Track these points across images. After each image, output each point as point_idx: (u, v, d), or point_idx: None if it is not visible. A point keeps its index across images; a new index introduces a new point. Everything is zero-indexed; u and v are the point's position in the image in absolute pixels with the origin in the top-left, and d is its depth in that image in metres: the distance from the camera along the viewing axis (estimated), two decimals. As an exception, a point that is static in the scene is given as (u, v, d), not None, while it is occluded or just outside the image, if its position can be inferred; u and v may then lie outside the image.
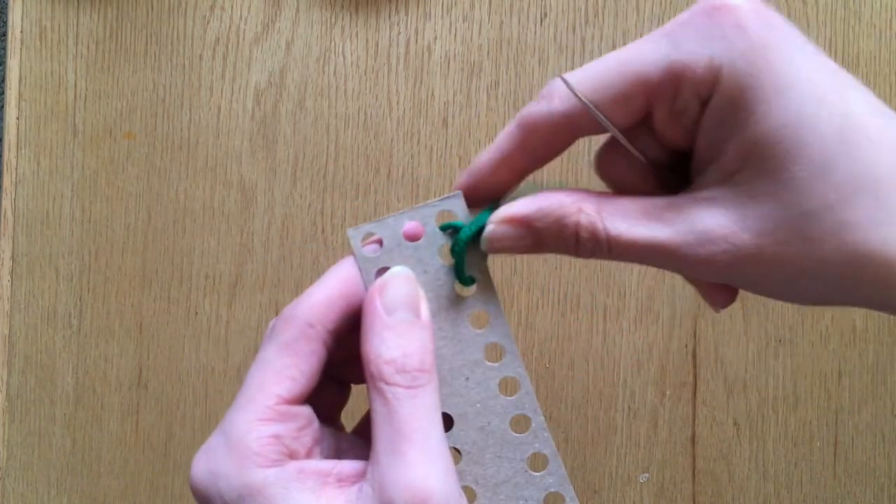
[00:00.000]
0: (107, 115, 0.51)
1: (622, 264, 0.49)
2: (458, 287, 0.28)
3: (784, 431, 0.49)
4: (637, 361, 0.49)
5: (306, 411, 0.26)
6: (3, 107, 0.75)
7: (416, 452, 0.24)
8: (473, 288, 0.28)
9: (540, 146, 0.27)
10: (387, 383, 0.25)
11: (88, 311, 0.50)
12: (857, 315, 0.49)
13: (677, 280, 0.49)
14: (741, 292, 0.49)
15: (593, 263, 0.49)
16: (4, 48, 0.57)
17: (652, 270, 0.49)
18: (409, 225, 0.28)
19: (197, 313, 0.50)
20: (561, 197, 0.26)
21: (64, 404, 0.50)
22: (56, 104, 0.51)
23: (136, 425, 0.50)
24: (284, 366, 0.26)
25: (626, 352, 0.49)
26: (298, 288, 0.50)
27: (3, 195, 0.50)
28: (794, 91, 0.21)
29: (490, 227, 0.27)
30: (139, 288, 0.50)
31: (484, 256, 0.28)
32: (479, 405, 0.28)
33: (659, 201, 0.25)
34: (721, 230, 0.23)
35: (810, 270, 0.22)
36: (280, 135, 0.50)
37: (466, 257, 0.28)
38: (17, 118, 0.51)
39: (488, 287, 0.29)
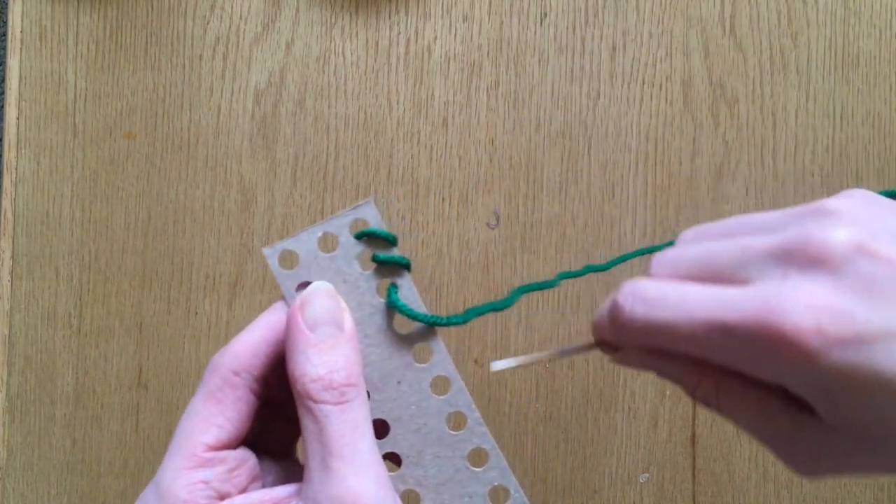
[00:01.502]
0: (107, 115, 0.51)
1: (623, 265, 0.49)
2: (380, 293, 0.29)
3: (784, 431, 0.49)
4: (637, 361, 0.49)
5: (237, 454, 0.27)
6: (3, 107, 0.75)
7: (347, 466, 0.24)
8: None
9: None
10: (314, 401, 0.25)
11: (88, 311, 0.50)
12: (857, 315, 0.49)
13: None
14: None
15: (593, 263, 0.49)
16: (4, 48, 0.57)
17: (652, 270, 0.49)
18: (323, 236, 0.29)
19: (197, 313, 0.50)
20: (680, 369, 0.27)
21: (64, 404, 0.50)
22: (56, 104, 0.51)
23: (136, 425, 0.50)
24: (210, 414, 0.26)
25: (626, 352, 0.49)
26: (298, 288, 0.50)
27: (3, 195, 0.50)
28: (865, 394, 0.22)
29: (619, 355, 0.29)
30: (139, 288, 0.50)
31: (405, 268, 0.29)
32: (413, 408, 0.29)
33: (770, 411, 0.26)
34: (826, 467, 0.25)
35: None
36: (280, 135, 0.50)
37: (387, 268, 0.29)
38: (17, 118, 0.51)
39: (409, 291, 0.29)
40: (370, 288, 0.29)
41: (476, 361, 0.49)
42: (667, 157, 0.50)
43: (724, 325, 0.23)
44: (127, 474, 0.50)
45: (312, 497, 0.24)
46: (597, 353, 0.50)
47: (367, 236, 0.29)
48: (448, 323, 0.29)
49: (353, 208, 0.29)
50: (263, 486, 0.28)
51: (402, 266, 0.29)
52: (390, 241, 0.29)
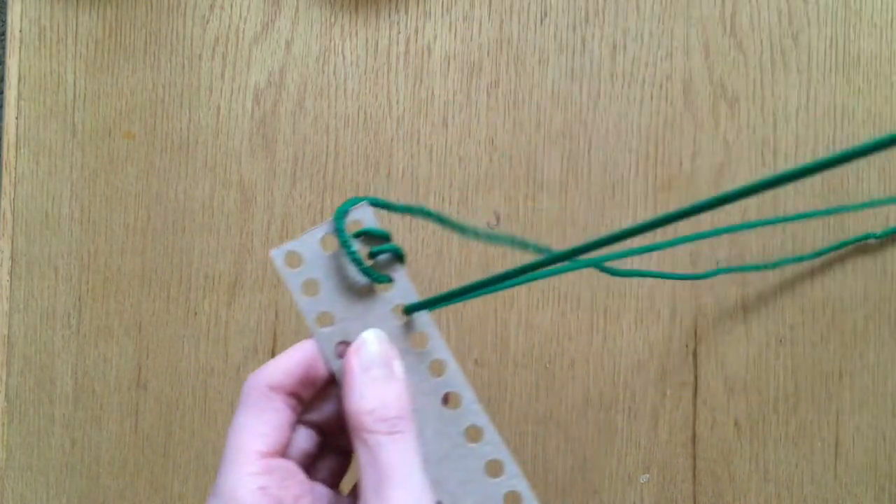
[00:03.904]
0: (106, 115, 0.51)
1: (623, 264, 0.49)
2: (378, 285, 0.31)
3: (784, 432, 0.49)
4: (637, 361, 0.49)
5: (286, 464, 0.29)
6: (2, 106, 0.75)
7: (400, 492, 0.26)
8: (392, 285, 0.31)
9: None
10: (368, 431, 0.28)
11: (88, 311, 0.50)
12: (858, 315, 0.49)
13: (677, 280, 0.49)
14: (743, 290, 0.49)
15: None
16: (4, 48, 0.57)
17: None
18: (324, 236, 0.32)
19: (196, 313, 0.50)
20: None
21: (63, 404, 0.50)
22: (55, 104, 0.50)
23: (136, 425, 0.50)
24: (254, 424, 0.29)
25: (626, 352, 0.49)
26: (298, 288, 0.50)
27: (3, 195, 0.50)
28: None
29: None
30: (139, 288, 0.50)
31: (399, 259, 0.32)
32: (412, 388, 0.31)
33: None
34: None
35: None
36: (280, 135, 0.50)
37: (376, 257, 0.31)
38: (17, 118, 0.50)
39: (403, 280, 0.32)
40: (367, 281, 0.31)
41: (476, 361, 0.49)
42: (667, 157, 0.49)
43: None
44: (126, 474, 0.50)
45: None
46: (597, 354, 0.50)
47: (363, 235, 0.31)
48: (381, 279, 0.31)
49: (349, 210, 0.32)
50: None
51: (397, 257, 0.32)
52: (384, 237, 0.31)
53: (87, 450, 0.50)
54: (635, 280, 0.49)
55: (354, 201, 0.31)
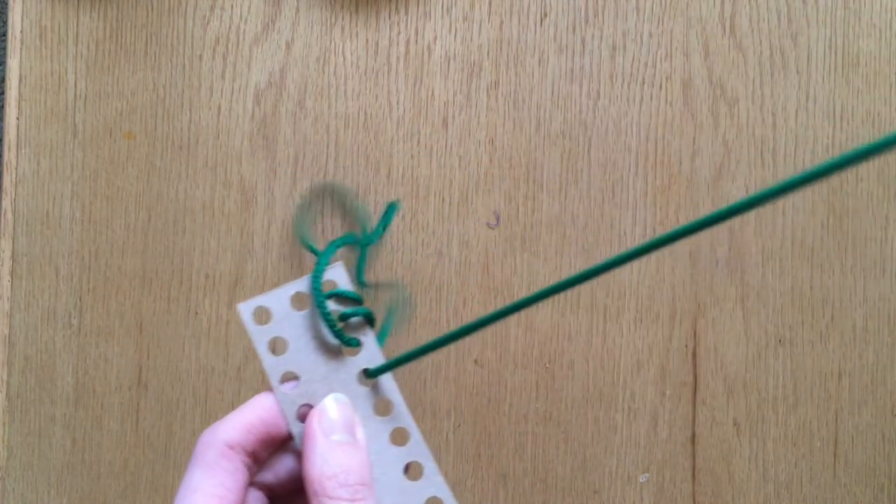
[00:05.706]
0: (107, 115, 0.51)
1: (622, 269, 0.49)
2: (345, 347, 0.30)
3: (784, 431, 0.49)
4: (637, 361, 0.49)
5: None
6: (3, 107, 0.75)
7: None
8: (360, 349, 0.30)
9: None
10: (329, 498, 0.27)
11: (88, 311, 0.50)
12: (857, 315, 0.49)
13: (677, 280, 0.49)
14: (743, 290, 0.49)
15: (593, 263, 0.49)
16: (4, 48, 0.57)
17: (651, 270, 0.49)
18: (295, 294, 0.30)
19: (197, 313, 0.50)
20: None
21: (64, 404, 0.50)
22: (56, 104, 0.51)
23: (136, 425, 0.50)
24: (210, 486, 0.27)
25: (626, 352, 0.49)
26: (298, 288, 0.50)
27: (3, 195, 0.50)
28: None
29: None
30: (139, 288, 0.50)
31: (369, 322, 0.31)
32: (373, 457, 0.30)
33: None
34: None
35: None
36: (280, 135, 0.50)
37: (347, 320, 0.30)
38: (17, 118, 0.51)
39: (371, 344, 0.31)
40: (337, 344, 0.30)
41: (476, 361, 0.49)
42: (667, 157, 0.50)
43: None
44: (127, 474, 0.50)
45: None
46: (597, 353, 0.50)
47: (336, 296, 0.30)
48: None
49: (325, 269, 0.31)
50: None
51: (367, 321, 0.31)
52: (357, 300, 0.31)
53: (87, 449, 0.50)
54: (635, 280, 0.49)
55: (327, 258, 0.30)
